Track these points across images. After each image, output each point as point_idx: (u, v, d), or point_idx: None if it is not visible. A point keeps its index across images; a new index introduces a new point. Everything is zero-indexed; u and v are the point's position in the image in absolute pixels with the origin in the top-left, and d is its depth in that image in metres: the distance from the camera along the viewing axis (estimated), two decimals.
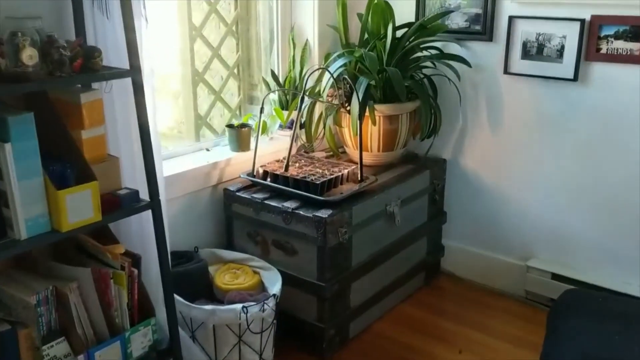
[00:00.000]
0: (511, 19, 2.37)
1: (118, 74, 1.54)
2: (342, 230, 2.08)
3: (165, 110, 2.37)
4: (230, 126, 2.42)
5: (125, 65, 1.57)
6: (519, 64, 2.40)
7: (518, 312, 2.49)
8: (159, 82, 2.23)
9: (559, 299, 1.94)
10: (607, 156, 2.29)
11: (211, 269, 2.22)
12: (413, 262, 2.55)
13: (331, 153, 2.58)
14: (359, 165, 2.26)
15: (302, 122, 2.48)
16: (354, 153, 2.54)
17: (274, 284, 2.09)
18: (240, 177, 2.30)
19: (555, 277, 2.44)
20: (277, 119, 2.53)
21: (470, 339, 2.30)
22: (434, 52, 2.54)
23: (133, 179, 1.76)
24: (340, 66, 2.32)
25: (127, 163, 1.75)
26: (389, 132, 2.44)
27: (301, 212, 2.06)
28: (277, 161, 2.35)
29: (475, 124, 2.58)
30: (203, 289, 2.12)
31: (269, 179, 2.24)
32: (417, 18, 2.58)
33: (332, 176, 2.19)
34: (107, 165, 1.61)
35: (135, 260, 1.66)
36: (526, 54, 2.37)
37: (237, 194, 2.24)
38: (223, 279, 2.14)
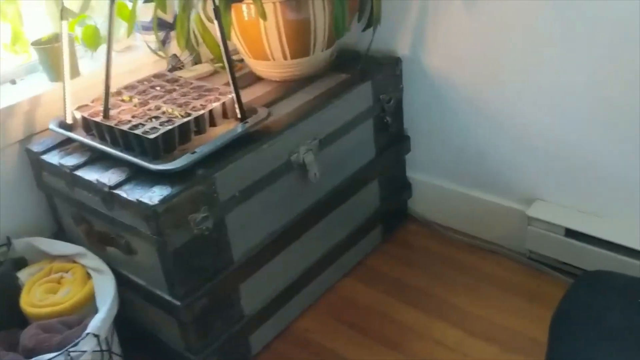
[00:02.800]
0: None
1: None
2: (198, 216, 1.23)
3: None
4: (37, 43, 1.52)
5: None
6: None
7: (514, 278, 1.67)
8: None
9: (569, 295, 1.13)
10: None
11: (27, 272, 1.44)
12: (359, 219, 1.72)
13: (220, 65, 1.67)
14: (235, 95, 1.36)
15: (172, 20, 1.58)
16: (255, 64, 1.62)
17: (105, 303, 1.30)
18: (49, 128, 1.44)
19: (571, 233, 1.58)
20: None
21: (449, 315, 1.52)
22: None
23: None
24: None
25: None
26: (296, 26, 1.50)
27: (122, 193, 1.22)
28: (121, 92, 1.48)
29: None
30: (7, 312, 1.35)
31: (91, 131, 1.38)
32: None
33: (183, 119, 1.31)
34: None
35: None
36: None
37: (42, 157, 1.39)
38: (34, 294, 1.37)
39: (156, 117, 1.34)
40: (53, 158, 1.37)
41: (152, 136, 1.25)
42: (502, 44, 1.54)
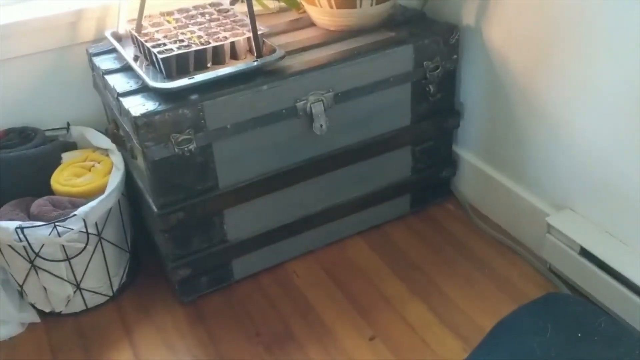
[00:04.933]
0: None
1: None
2: (180, 137, 1.34)
3: None
4: None
5: None
6: None
7: (524, 285, 1.55)
8: None
9: (520, 309, 1.07)
10: None
11: (70, 154, 1.67)
12: (380, 184, 1.70)
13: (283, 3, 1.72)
14: (251, 32, 1.41)
15: None
16: (309, 9, 1.65)
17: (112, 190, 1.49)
18: (105, 35, 1.62)
19: (586, 254, 1.42)
20: None
21: (432, 299, 1.49)
22: None
23: None
24: None
25: None
26: None
27: (123, 101, 1.36)
28: (172, 12, 1.61)
29: None
30: (43, 183, 1.60)
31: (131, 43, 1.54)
32: None
33: (200, 47, 1.40)
34: None
35: None
36: None
37: (93, 58, 1.58)
38: (63, 174, 1.60)
39: (180, 40, 1.45)
40: (99, 60, 1.55)
41: (162, 56, 1.37)
42: (562, 36, 1.38)
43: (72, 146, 1.71)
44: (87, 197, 1.52)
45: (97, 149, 1.68)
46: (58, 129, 1.72)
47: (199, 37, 1.46)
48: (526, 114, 1.55)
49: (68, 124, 1.72)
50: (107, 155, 1.64)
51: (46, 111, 1.71)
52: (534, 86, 1.49)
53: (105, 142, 1.65)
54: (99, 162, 1.63)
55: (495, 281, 1.57)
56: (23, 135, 1.65)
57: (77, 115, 1.74)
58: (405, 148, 1.69)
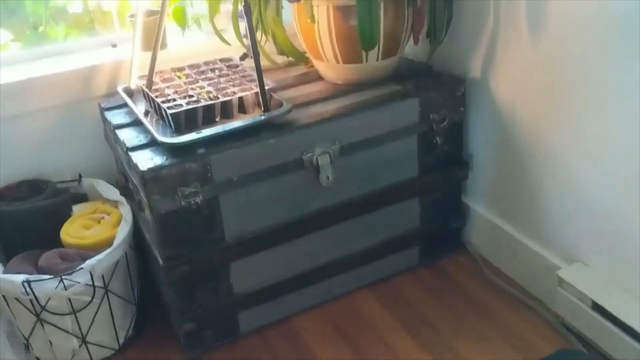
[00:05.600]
0: None
1: None
2: (186, 190, 1.35)
3: None
4: (132, 16, 1.75)
5: None
6: None
7: (535, 340, 1.51)
8: None
9: None
10: None
11: (81, 206, 1.69)
12: (388, 235, 1.69)
13: (290, 58, 1.76)
14: (258, 87, 1.44)
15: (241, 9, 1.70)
16: (315, 63, 1.68)
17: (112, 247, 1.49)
18: (117, 90, 1.65)
19: (598, 308, 1.39)
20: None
21: (442, 355, 1.46)
22: None
23: None
24: None
25: None
26: (348, 32, 1.52)
27: (133, 156, 1.38)
28: (183, 68, 1.64)
29: (511, 24, 1.49)
30: (53, 235, 1.61)
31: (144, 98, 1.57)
32: None
33: (208, 102, 1.43)
34: None
35: None
36: None
37: (105, 112, 1.62)
38: (73, 226, 1.61)
39: (190, 96, 1.48)
40: (111, 115, 1.58)
41: (172, 111, 1.39)
42: (567, 88, 1.39)
43: (82, 197, 1.73)
44: (96, 249, 1.52)
45: (106, 200, 1.69)
46: (69, 180, 1.74)
47: (208, 92, 1.49)
48: (536, 165, 1.54)
49: (80, 176, 1.75)
50: (117, 206, 1.66)
51: (59, 162, 1.74)
52: (543, 138, 1.49)
53: (114, 194, 1.66)
54: (108, 214, 1.64)
55: (506, 336, 1.54)
56: (35, 187, 1.68)
57: (88, 166, 1.77)
58: (413, 199, 1.68)
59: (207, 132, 1.37)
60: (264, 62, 1.69)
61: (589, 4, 1.27)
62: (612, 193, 1.35)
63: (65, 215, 1.64)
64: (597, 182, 1.38)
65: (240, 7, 1.71)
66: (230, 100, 1.46)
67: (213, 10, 1.69)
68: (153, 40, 1.58)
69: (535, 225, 1.60)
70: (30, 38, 3.22)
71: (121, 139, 1.45)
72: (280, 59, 1.80)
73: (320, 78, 1.70)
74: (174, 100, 1.45)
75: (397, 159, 1.60)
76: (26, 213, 1.57)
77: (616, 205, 1.35)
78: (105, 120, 1.62)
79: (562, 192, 1.48)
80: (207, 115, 1.44)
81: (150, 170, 1.30)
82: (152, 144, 1.41)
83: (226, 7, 1.79)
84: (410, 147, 1.61)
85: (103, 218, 1.64)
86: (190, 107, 1.41)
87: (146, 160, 1.33)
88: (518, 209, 1.64)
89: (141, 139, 1.43)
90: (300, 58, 1.75)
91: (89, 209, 1.66)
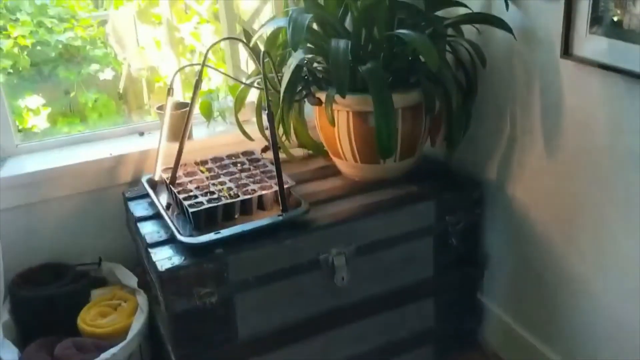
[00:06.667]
0: None
1: None
2: (202, 290, 1.37)
3: None
4: (160, 108, 1.81)
5: None
6: (585, 41, 1.28)
7: None
8: None
9: None
10: None
11: (99, 292, 1.72)
12: (403, 334, 1.68)
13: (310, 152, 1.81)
14: (278, 186, 1.48)
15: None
16: (340, 163, 1.71)
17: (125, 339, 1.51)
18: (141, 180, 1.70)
19: None
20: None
21: None
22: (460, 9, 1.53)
23: None
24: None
25: None
26: (367, 136, 1.56)
27: (152, 252, 1.41)
28: (206, 161, 1.70)
29: (526, 132, 1.53)
30: (71, 321, 1.63)
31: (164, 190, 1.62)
32: None
33: (228, 200, 1.47)
34: None
35: None
36: (597, 21, 1.25)
37: (129, 202, 1.66)
38: (90, 313, 1.63)
39: (211, 192, 1.52)
40: (133, 205, 1.63)
41: (193, 210, 1.43)
42: (582, 200, 1.41)
43: (101, 281, 1.76)
44: (111, 338, 1.54)
45: (124, 286, 1.72)
46: (90, 264, 1.78)
47: (229, 189, 1.53)
48: (550, 273, 1.54)
49: (100, 260, 1.78)
50: (134, 294, 1.68)
51: (80, 246, 1.78)
52: (557, 247, 1.50)
53: (132, 280, 1.69)
54: (125, 301, 1.66)
55: None
56: (56, 271, 1.72)
57: (109, 249, 1.80)
58: (427, 299, 1.68)
59: (225, 232, 1.40)
60: (283, 155, 1.74)
61: (599, 126, 1.30)
62: (628, 305, 1.34)
63: (83, 301, 1.67)
64: (612, 293, 1.37)
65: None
66: (250, 199, 1.49)
67: (238, 105, 1.75)
68: (179, 132, 1.64)
69: (550, 332, 1.58)
70: (61, 103, 3.34)
71: (142, 233, 1.49)
72: (300, 152, 1.84)
73: (338, 172, 1.74)
74: (196, 197, 1.49)
75: (412, 259, 1.62)
76: (45, 300, 1.60)
77: (632, 317, 1.34)
78: (128, 210, 1.66)
79: (577, 302, 1.47)
80: (227, 212, 1.48)
81: (168, 270, 1.33)
82: (172, 240, 1.44)
83: (251, 99, 1.85)
84: (425, 248, 1.63)
85: (120, 305, 1.66)
86: (210, 205, 1.45)
87: (165, 260, 1.36)
88: (533, 313, 1.63)
89: (161, 235, 1.47)
90: (320, 152, 1.80)
91: (107, 295, 1.69)
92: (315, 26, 1.61)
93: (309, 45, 1.55)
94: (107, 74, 3.71)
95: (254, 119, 1.77)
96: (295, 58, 1.45)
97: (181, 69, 1.82)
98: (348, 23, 1.59)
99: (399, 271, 1.61)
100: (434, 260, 1.65)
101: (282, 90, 1.47)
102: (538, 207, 1.54)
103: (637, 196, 1.26)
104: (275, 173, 1.51)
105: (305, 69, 1.57)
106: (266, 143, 1.76)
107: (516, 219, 1.61)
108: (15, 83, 3.49)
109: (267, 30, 1.62)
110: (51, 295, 1.61)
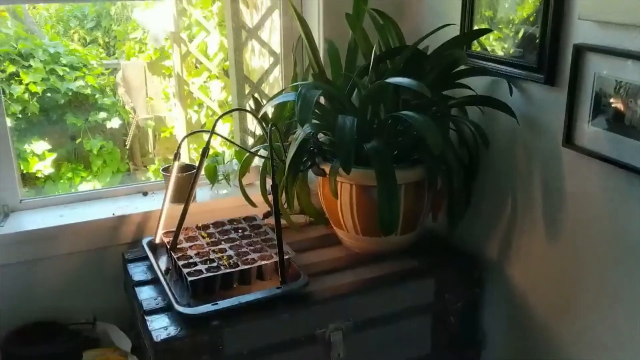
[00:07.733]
0: (578, 50, 1.29)
1: None
2: None
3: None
4: (166, 170, 1.83)
5: None
6: (587, 132, 1.31)
7: None
8: None
9: None
10: None
11: (92, 353, 1.70)
12: None
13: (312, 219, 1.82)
14: (279, 260, 1.48)
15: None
16: (341, 233, 1.71)
17: None
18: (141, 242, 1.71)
19: None
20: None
21: None
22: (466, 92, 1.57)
23: None
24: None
25: None
26: (369, 210, 1.57)
27: (148, 320, 1.40)
28: (208, 226, 1.70)
29: (527, 215, 1.54)
30: None
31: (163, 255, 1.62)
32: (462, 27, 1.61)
33: (227, 270, 1.47)
34: None
35: None
36: (599, 114, 1.27)
37: (128, 264, 1.66)
38: None
39: (211, 260, 1.52)
40: (132, 267, 1.63)
41: (191, 278, 1.43)
42: (579, 284, 1.41)
43: (95, 342, 1.74)
44: None
45: (117, 349, 1.70)
46: (84, 323, 1.76)
47: (229, 257, 1.53)
48: (548, 355, 1.52)
49: (94, 319, 1.76)
50: (127, 357, 1.66)
51: (76, 304, 1.76)
52: (554, 329, 1.49)
53: (126, 344, 1.67)
54: None
55: None
56: (49, 329, 1.70)
57: (104, 308, 1.78)
58: None
59: (223, 304, 1.40)
60: (284, 221, 1.75)
61: (598, 217, 1.31)
62: None
63: None
64: None
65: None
66: (249, 269, 1.49)
67: (243, 171, 1.76)
68: (183, 194, 1.65)
69: None
70: (67, 149, 3.38)
71: (139, 299, 1.48)
72: (302, 218, 1.85)
73: (338, 242, 1.74)
74: (195, 264, 1.49)
75: (410, 336, 1.60)
76: (36, 359, 1.58)
77: None
78: (126, 272, 1.66)
79: None
80: (226, 281, 1.48)
81: (164, 341, 1.32)
82: (169, 308, 1.43)
83: (256, 164, 1.87)
84: (423, 326, 1.61)
85: None
86: (209, 274, 1.45)
87: (161, 329, 1.35)
88: None
89: (158, 302, 1.46)
90: (321, 220, 1.80)
91: (99, 358, 1.67)
92: (322, 100, 1.64)
93: (315, 120, 1.57)
94: (114, 123, 3.78)
95: (258, 182, 1.78)
96: (303, 132, 1.47)
97: (190, 135, 1.84)
98: (354, 98, 1.62)
99: (396, 348, 1.59)
100: (431, 338, 1.63)
101: (287, 161, 1.49)
102: (537, 291, 1.54)
103: (637, 286, 1.26)
104: (276, 242, 1.52)
105: (311, 140, 1.59)
106: (268, 208, 1.78)
107: (514, 299, 1.61)
108: (23, 128, 3.55)
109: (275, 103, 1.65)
110: (42, 355, 1.59)
